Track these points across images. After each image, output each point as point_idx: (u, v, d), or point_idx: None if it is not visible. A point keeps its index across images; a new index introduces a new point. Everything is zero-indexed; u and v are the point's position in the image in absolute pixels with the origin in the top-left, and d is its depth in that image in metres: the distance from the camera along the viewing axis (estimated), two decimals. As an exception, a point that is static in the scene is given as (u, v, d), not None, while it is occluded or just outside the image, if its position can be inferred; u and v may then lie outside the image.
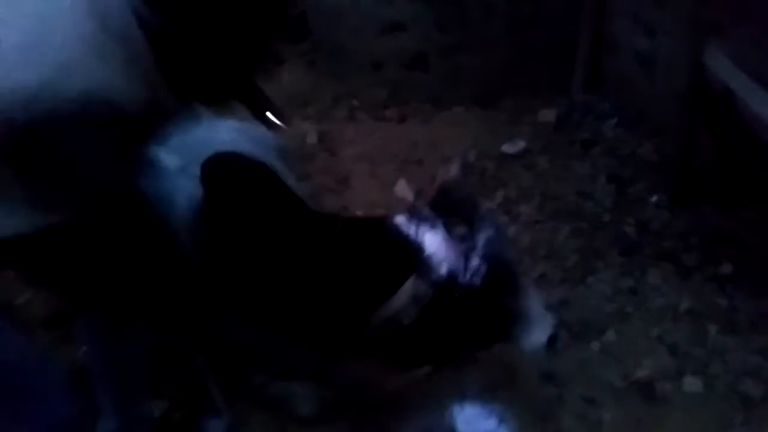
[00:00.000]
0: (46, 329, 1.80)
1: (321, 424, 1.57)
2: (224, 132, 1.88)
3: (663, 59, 2.71)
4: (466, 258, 1.40)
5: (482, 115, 3.16)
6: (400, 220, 1.48)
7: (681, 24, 2.50)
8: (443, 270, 1.38)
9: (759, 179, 2.20)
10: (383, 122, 3.16)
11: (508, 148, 2.82)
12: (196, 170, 1.55)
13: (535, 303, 1.49)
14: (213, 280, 1.50)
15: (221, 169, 1.52)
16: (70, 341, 1.59)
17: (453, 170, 1.61)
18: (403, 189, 2.63)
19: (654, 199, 2.41)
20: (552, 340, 1.46)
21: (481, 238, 1.43)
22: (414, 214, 1.49)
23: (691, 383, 1.67)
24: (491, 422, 1.59)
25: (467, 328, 1.46)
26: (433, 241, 1.42)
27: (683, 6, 2.46)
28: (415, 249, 1.40)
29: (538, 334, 1.46)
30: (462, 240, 1.43)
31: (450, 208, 1.51)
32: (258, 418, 1.59)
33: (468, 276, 1.38)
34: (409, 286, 1.34)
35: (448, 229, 1.43)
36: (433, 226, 1.44)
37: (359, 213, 2.41)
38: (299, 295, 1.42)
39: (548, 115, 3.04)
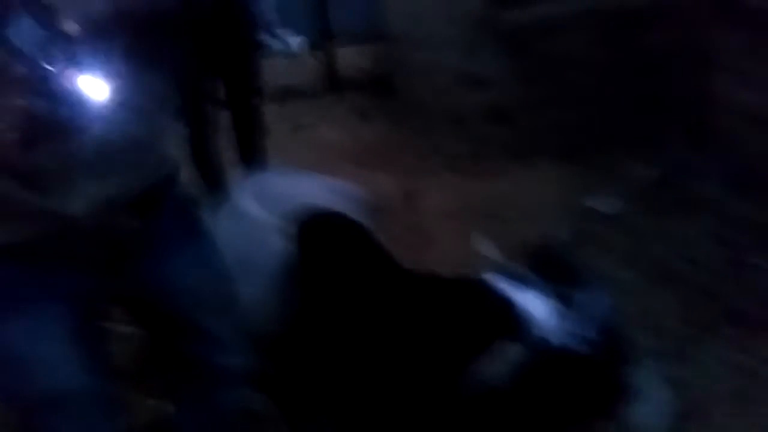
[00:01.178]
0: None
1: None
2: (312, 189, 1.89)
3: (772, 115, 2.52)
4: (575, 325, 1.28)
5: (571, 171, 3.03)
6: (500, 281, 1.39)
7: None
8: (544, 334, 1.26)
9: None
10: (467, 178, 3.10)
11: (602, 207, 2.67)
12: (286, 227, 1.55)
13: (651, 377, 1.34)
14: (299, 337, 1.46)
15: (314, 227, 1.50)
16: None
17: (557, 232, 1.50)
18: (487, 247, 2.53)
19: (766, 264, 2.19)
20: (670, 419, 1.30)
21: (591, 305, 1.31)
22: (511, 274, 1.40)
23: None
24: None
25: (567, 402, 1.32)
26: (533, 303, 1.31)
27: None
28: (513, 310, 1.30)
29: (654, 411, 1.31)
30: (566, 304, 1.31)
31: (551, 270, 1.40)
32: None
33: (571, 342, 1.26)
34: (509, 350, 1.23)
35: (550, 292, 1.33)
36: (533, 288, 1.34)
37: (444, 272, 2.32)
38: (387, 354, 1.34)
39: (646, 172, 2.88)
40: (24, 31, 0.73)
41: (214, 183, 2.77)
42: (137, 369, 1.68)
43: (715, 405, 1.69)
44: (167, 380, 1.29)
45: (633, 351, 1.36)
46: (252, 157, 2.80)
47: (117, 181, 0.94)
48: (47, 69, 0.76)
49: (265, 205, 1.72)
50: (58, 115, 0.82)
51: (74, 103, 0.82)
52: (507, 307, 1.33)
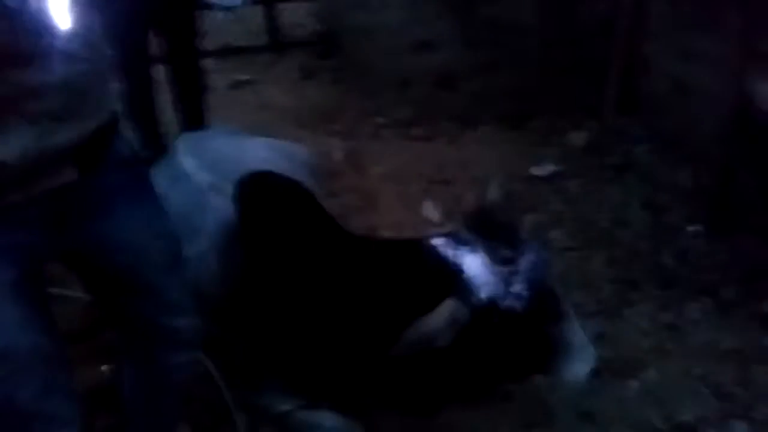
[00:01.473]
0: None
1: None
2: (255, 149, 1.86)
3: (701, 85, 2.64)
4: (508, 282, 1.33)
5: (511, 136, 3.11)
6: (438, 241, 1.43)
7: (722, 50, 2.43)
8: (484, 293, 1.32)
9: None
10: (410, 141, 3.12)
11: (537, 170, 2.76)
12: (228, 188, 1.53)
13: (577, 333, 1.41)
14: (243, 299, 1.46)
15: (255, 187, 1.48)
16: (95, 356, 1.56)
17: (492, 193, 1.54)
18: (430, 210, 2.58)
19: (691, 228, 2.33)
20: (594, 373, 1.39)
21: (524, 263, 1.37)
22: (452, 236, 1.44)
23: (737, 428, 1.58)
24: (527, 463, 1.51)
25: (504, 358, 1.39)
26: (473, 264, 1.36)
27: (726, 32, 2.40)
28: (453, 271, 1.35)
29: (579, 366, 1.39)
30: (504, 264, 1.36)
31: (489, 232, 1.45)
32: (282, 447, 1.53)
33: (509, 301, 1.32)
34: (446, 308, 1.28)
35: (489, 253, 1.37)
36: (472, 249, 1.39)
37: (387, 234, 2.35)
38: (330, 315, 1.37)
39: (579, 137, 2.98)
40: None
41: (154, 141, 2.67)
42: (85, 333, 1.64)
43: (639, 360, 1.81)
44: (114, 342, 1.27)
45: (564, 308, 1.44)
46: (192, 114, 2.71)
47: (56, 126, 0.90)
48: None
49: (206, 165, 1.68)
50: (21, 40, 0.80)
51: (39, 28, 0.80)
52: (446, 266, 1.37)
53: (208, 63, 3.58)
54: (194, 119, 2.68)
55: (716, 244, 2.24)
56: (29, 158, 0.87)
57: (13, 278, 0.93)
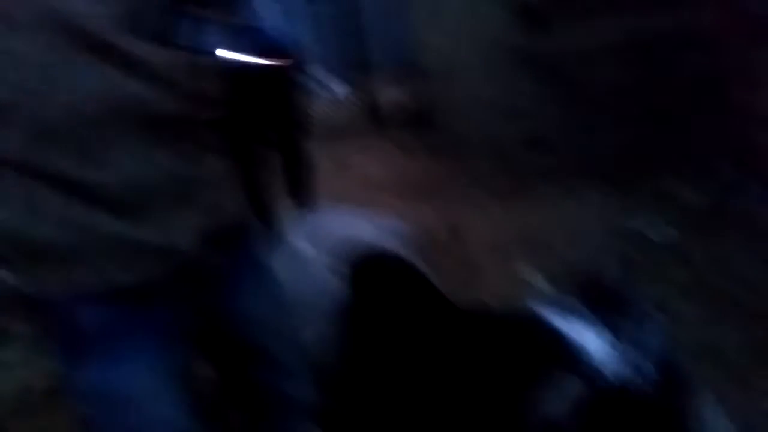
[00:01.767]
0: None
1: None
2: (363, 228, 1.92)
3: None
4: (635, 362, 1.25)
5: (617, 198, 2.99)
6: (554, 316, 1.37)
7: None
8: (608, 372, 1.24)
9: None
10: (510, 208, 3.08)
11: (652, 234, 2.61)
12: (341, 268, 1.58)
13: (713, 413, 1.29)
14: (358, 377, 1.47)
15: (368, 268, 1.52)
16: None
17: (608, 264, 1.48)
18: (536, 278, 2.50)
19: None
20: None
21: (650, 340, 1.28)
22: (567, 308, 1.38)
23: None
24: None
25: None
26: (593, 340, 1.29)
27: None
28: (571, 347, 1.28)
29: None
30: (629, 343, 1.28)
31: (606, 304, 1.38)
32: None
33: (638, 382, 1.23)
34: (567, 387, 1.21)
35: (610, 328, 1.30)
36: (594, 326, 1.32)
37: (495, 305, 2.30)
38: (443, 392, 1.34)
39: (696, 197, 2.81)
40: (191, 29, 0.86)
41: (265, 221, 2.84)
42: (212, 407, 1.71)
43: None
44: (239, 416, 1.31)
45: (692, 384, 1.32)
46: (300, 194, 2.87)
47: (212, 209, 0.96)
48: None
49: (317, 243, 1.75)
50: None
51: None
52: (560, 339, 1.30)
53: (312, 144, 3.82)
54: (302, 198, 2.84)
55: None
56: (197, 244, 0.92)
57: (175, 362, 0.99)
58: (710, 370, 1.87)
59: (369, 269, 1.51)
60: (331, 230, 1.85)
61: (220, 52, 0.89)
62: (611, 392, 1.22)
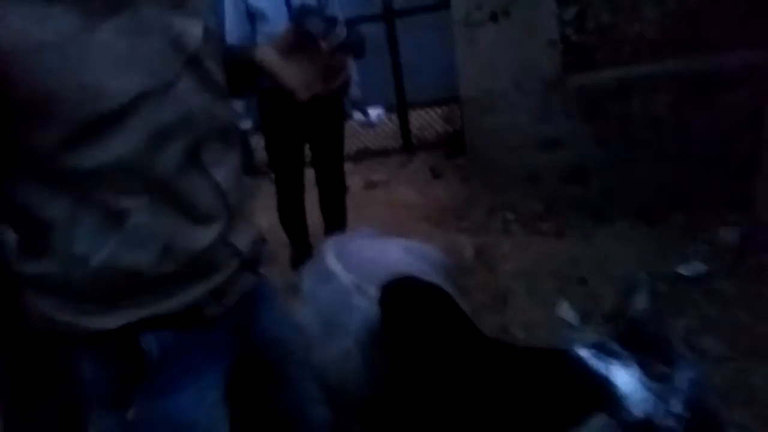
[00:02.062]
0: None
1: None
2: (395, 251, 1.96)
3: None
4: (665, 400, 1.26)
5: (650, 233, 2.97)
6: (584, 352, 1.39)
7: None
8: (637, 410, 1.24)
9: None
10: (540, 236, 3.09)
11: (683, 270, 2.59)
12: (371, 290, 1.62)
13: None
14: (383, 399, 1.50)
15: (398, 291, 1.55)
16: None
17: (639, 300, 1.49)
18: (565, 310, 2.50)
19: None
20: None
21: (681, 380, 1.29)
22: (599, 347, 1.39)
23: None
24: None
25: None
26: (624, 378, 1.30)
27: None
28: (602, 385, 1.29)
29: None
30: (659, 380, 1.29)
31: (639, 343, 1.39)
32: None
33: (668, 421, 1.24)
34: (597, 423, 1.22)
35: (641, 366, 1.31)
36: (623, 362, 1.33)
37: (521, 335, 2.31)
38: (470, 422, 1.35)
39: (729, 234, 2.78)
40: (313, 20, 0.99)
41: (302, 242, 2.91)
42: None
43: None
44: None
45: (726, 427, 1.32)
46: (335, 214, 2.93)
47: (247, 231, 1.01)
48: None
49: (350, 267, 1.79)
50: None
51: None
52: (594, 379, 1.32)
53: (346, 165, 3.89)
54: (336, 218, 2.90)
55: None
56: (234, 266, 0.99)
57: (225, 386, 1.02)
58: (738, 409, 1.84)
59: (400, 293, 1.55)
60: (365, 254, 1.89)
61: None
62: (639, 429, 1.23)
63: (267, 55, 1.02)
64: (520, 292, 2.65)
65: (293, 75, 1.01)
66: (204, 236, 0.91)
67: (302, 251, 2.82)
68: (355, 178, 3.74)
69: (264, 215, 3.26)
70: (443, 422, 1.38)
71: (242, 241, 0.99)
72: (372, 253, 1.88)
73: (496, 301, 2.59)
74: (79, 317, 0.86)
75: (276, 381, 1.20)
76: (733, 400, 1.89)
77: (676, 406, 1.25)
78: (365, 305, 1.61)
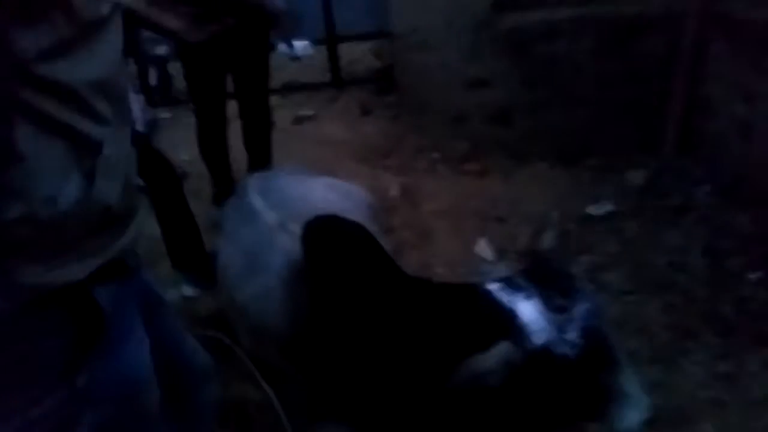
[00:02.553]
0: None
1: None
2: (319, 189, 1.96)
3: (763, 125, 2.60)
4: (562, 330, 1.37)
5: (566, 174, 3.12)
6: (493, 286, 1.48)
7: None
8: (538, 339, 1.35)
9: None
10: (465, 176, 3.18)
11: (593, 209, 2.76)
12: (295, 228, 1.63)
13: (631, 381, 1.43)
14: (306, 335, 1.54)
15: (321, 229, 1.57)
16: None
17: (547, 239, 1.59)
18: (483, 248, 2.62)
19: (752, 276, 2.28)
20: (648, 423, 1.39)
21: (579, 311, 1.40)
22: (507, 282, 1.48)
23: (799, 489, 1.54)
24: None
25: (557, 405, 1.42)
26: (528, 310, 1.40)
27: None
28: (508, 316, 1.39)
29: (633, 415, 1.40)
30: (559, 312, 1.40)
31: (545, 278, 1.49)
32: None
33: (563, 348, 1.36)
34: (500, 349, 1.32)
35: (544, 300, 1.42)
36: (528, 296, 1.43)
37: (441, 270, 2.41)
38: (388, 353, 1.43)
39: (636, 176, 2.96)
40: None
41: (225, 178, 2.84)
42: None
43: (695, 411, 1.78)
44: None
45: (618, 355, 1.45)
46: (259, 149, 2.86)
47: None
48: None
49: (274, 204, 1.79)
50: None
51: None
52: (501, 311, 1.41)
53: (272, 99, 3.78)
54: (261, 154, 2.83)
55: (780, 293, 2.18)
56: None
57: None
58: (632, 338, 2.04)
59: (322, 232, 1.57)
60: (287, 191, 1.88)
61: None
62: (537, 355, 1.34)
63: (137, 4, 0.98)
64: (443, 230, 2.74)
65: (169, 19, 0.98)
66: None
67: (225, 187, 2.76)
68: (281, 112, 3.65)
69: (184, 149, 3.16)
70: (363, 356, 1.44)
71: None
72: (296, 191, 1.88)
73: (419, 238, 2.67)
74: (46, 274, 0.79)
75: (161, 331, 1.17)
76: (627, 330, 2.08)
77: (572, 334, 1.36)
78: (288, 243, 1.62)
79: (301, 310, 1.53)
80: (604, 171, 3.10)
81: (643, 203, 2.81)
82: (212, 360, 1.31)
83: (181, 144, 3.17)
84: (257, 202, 1.82)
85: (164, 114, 3.61)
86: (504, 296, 1.44)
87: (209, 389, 1.29)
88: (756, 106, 2.64)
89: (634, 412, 1.40)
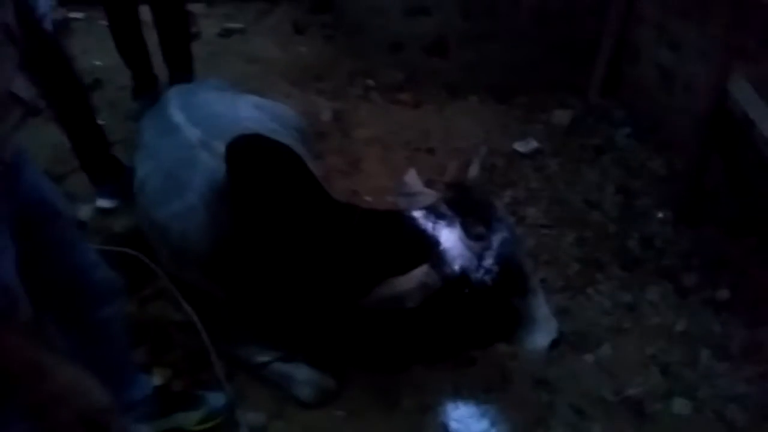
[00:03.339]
0: None
1: (317, 409, 1.59)
2: (246, 108, 1.88)
3: (684, 74, 2.70)
4: (480, 257, 1.42)
5: (497, 109, 3.15)
6: (418, 214, 1.50)
7: (706, 42, 2.49)
8: (456, 265, 1.40)
9: (766, 207, 2.23)
10: (398, 105, 3.14)
11: (520, 146, 2.82)
12: (218, 146, 1.56)
13: (542, 307, 1.51)
14: (227, 254, 1.52)
15: (245, 148, 1.52)
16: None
17: (474, 170, 1.61)
18: (412, 178, 2.62)
19: (660, 215, 2.43)
20: (555, 345, 1.49)
21: (496, 240, 1.46)
22: (431, 210, 1.51)
23: (680, 405, 1.71)
24: (484, 423, 1.62)
25: (472, 326, 1.49)
26: (448, 237, 1.44)
27: (711, 25, 2.45)
28: (430, 243, 1.43)
29: (541, 337, 1.49)
30: (478, 239, 1.45)
31: (467, 208, 1.53)
32: (257, 396, 1.62)
33: (480, 274, 1.41)
34: (419, 272, 1.36)
35: (464, 228, 1.46)
36: (449, 224, 1.47)
37: (369, 198, 2.41)
38: (311, 273, 1.44)
39: (563, 116, 3.04)
40: None
41: (146, 86, 2.63)
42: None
43: (597, 335, 1.92)
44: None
45: (531, 283, 1.53)
46: (178, 61, 2.67)
47: None
48: None
49: (196, 120, 1.70)
50: None
51: None
52: (424, 238, 1.44)
53: (198, 8, 3.52)
54: (181, 66, 2.64)
55: (682, 231, 2.34)
56: None
57: None
58: (544, 268, 2.15)
59: (246, 151, 1.51)
60: (211, 107, 1.79)
61: None
62: (454, 280, 1.39)
63: None
64: (373, 159, 2.72)
65: None
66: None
67: (145, 80, 2.56)
68: (207, 23, 3.42)
69: (98, 54, 2.92)
70: (284, 275, 1.44)
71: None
72: (220, 108, 1.80)
73: (349, 165, 2.64)
74: None
75: (52, 244, 1.14)
76: (541, 261, 2.19)
77: (489, 261, 1.41)
78: (210, 161, 1.56)
79: (223, 229, 1.50)
80: (533, 109, 3.15)
81: (566, 143, 2.89)
82: (117, 276, 1.26)
83: (93, 48, 2.92)
84: (178, 116, 1.73)
85: (76, 14, 3.28)
86: (427, 223, 1.47)
87: (112, 306, 1.25)
88: (680, 53, 2.73)
89: (542, 335, 1.50)
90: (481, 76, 3.27)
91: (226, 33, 3.42)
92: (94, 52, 2.93)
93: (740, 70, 2.14)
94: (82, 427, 0.86)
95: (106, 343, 1.30)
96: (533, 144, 2.84)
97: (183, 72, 2.60)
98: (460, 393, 1.69)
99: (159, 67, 2.66)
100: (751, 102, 2.03)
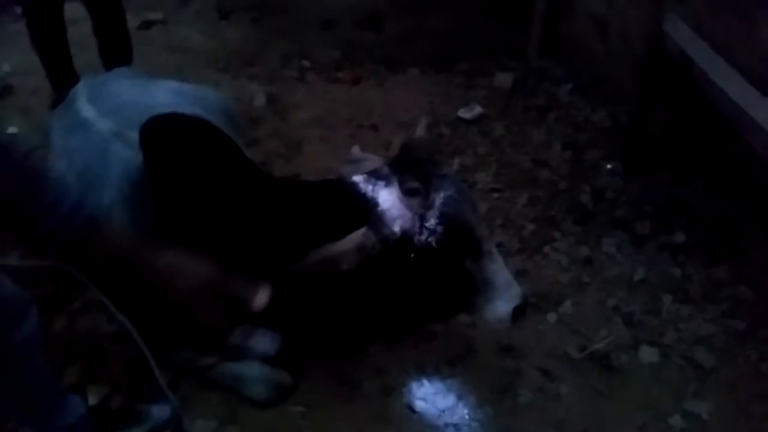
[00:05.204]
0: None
1: (273, 408, 1.49)
2: (162, 93, 1.74)
3: (619, 24, 2.68)
4: (422, 217, 1.32)
5: (438, 79, 3.07)
6: (357, 178, 1.40)
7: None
8: (396, 226, 1.30)
9: (713, 148, 2.22)
10: (335, 84, 3.02)
11: (464, 113, 2.75)
12: (133, 135, 1.42)
13: (502, 272, 1.42)
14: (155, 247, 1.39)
15: (162, 131, 1.38)
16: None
17: (419, 131, 1.52)
18: (355, 151, 2.53)
19: (609, 166, 2.41)
20: (519, 312, 1.40)
21: (438, 197, 1.35)
22: (371, 174, 1.41)
23: (647, 353, 1.68)
24: (450, 398, 1.55)
25: (427, 296, 1.39)
26: (387, 198, 1.34)
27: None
28: (369, 205, 1.33)
29: (504, 304, 1.40)
30: (413, 194, 1.35)
31: (408, 166, 1.43)
32: (206, 402, 1.50)
33: (423, 235, 1.31)
34: (356, 235, 1.27)
35: (405, 188, 1.36)
36: (388, 184, 1.37)
37: (309, 177, 2.30)
38: (249, 255, 1.32)
39: (504, 79, 2.98)
40: None
41: (65, 76, 2.44)
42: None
43: (557, 293, 1.88)
44: None
45: (487, 247, 1.45)
46: (118, 53, 2.50)
47: None
48: None
49: (106, 111, 1.56)
50: None
51: None
52: (363, 201, 1.34)
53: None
54: (120, 59, 2.47)
55: (632, 180, 2.32)
56: None
57: None
58: (499, 231, 2.09)
59: (162, 132, 1.38)
60: (123, 96, 1.65)
61: None
62: (396, 242, 1.29)
63: None
64: (314, 140, 2.61)
65: None
66: None
67: (65, 79, 2.37)
68: (130, 15, 3.22)
69: (7, 58, 2.71)
70: (219, 259, 1.32)
71: None
72: (133, 96, 1.65)
73: (288, 149, 2.52)
74: None
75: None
76: (495, 225, 2.13)
77: (432, 221, 1.31)
78: (125, 153, 1.42)
79: (147, 224, 1.37)
80: (474, 75, 3.09)
81: (510, 105, 2.84)
82: (24, 292, 1.13)
83: (1, 53, 2.71)
84: (87, 110, 1.58)
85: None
86: (367, 187, 1.37)
87: (25, 326, 1.12)
88: (612, 4, 2.70)
89: (504, 302, 1.40)
90: (418, 47, 3.19)
91: (146, 25, 3.23)
92: (1, 57, 2.72)
93: (673, 9, 2.11)
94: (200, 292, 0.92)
95: (24, 369, 1.18)
96: (477, 109, 2.77)
97: (124, 66, 2.42)
98: (423, 370, 1.61)
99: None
100: (688, 40, 2.01)
